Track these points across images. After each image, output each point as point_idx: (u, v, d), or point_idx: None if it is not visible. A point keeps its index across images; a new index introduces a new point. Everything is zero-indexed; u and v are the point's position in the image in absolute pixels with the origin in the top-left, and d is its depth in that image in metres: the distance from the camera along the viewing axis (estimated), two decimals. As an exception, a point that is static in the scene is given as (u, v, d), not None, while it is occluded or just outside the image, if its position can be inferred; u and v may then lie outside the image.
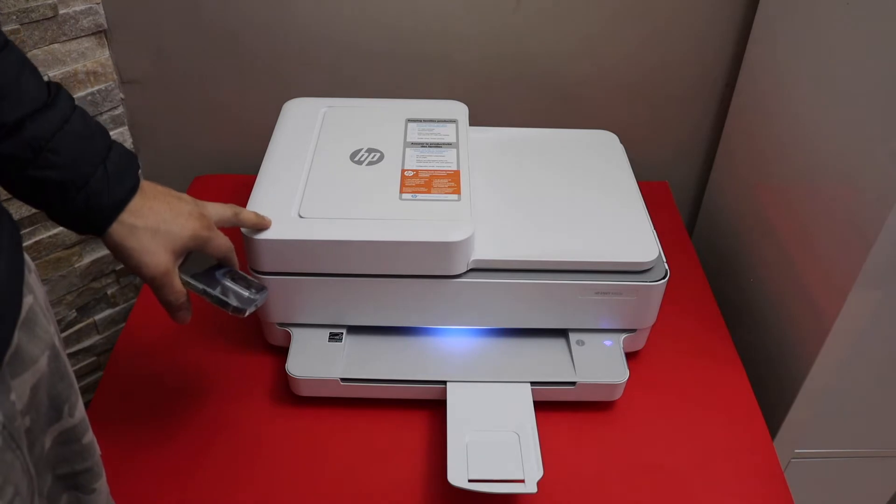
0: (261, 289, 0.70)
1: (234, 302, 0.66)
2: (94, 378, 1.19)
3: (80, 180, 0.55)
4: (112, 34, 1.02)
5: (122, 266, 1.14)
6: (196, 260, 0.66)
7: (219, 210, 0.67)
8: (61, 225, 0.58)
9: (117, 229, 0.58)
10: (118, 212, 0.58)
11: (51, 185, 0.54)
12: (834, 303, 0.81)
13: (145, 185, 0.60)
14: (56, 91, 0.54)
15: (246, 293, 0.68)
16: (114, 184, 0.57)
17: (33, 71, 0.53)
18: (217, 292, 0.66)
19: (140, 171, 0.60)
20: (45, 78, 0.55)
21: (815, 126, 0.86)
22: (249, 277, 0.70)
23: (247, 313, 0.67)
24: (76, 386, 0.56)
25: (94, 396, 0.82)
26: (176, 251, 0.61)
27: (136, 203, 0.59)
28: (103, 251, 1.11)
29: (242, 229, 0.74)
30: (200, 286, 0.65)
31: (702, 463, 0.77)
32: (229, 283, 0.68)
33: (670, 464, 0.77)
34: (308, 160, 0.83)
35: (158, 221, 0.60)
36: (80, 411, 0.56)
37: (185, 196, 0.64)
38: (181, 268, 0.63)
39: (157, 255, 0.60)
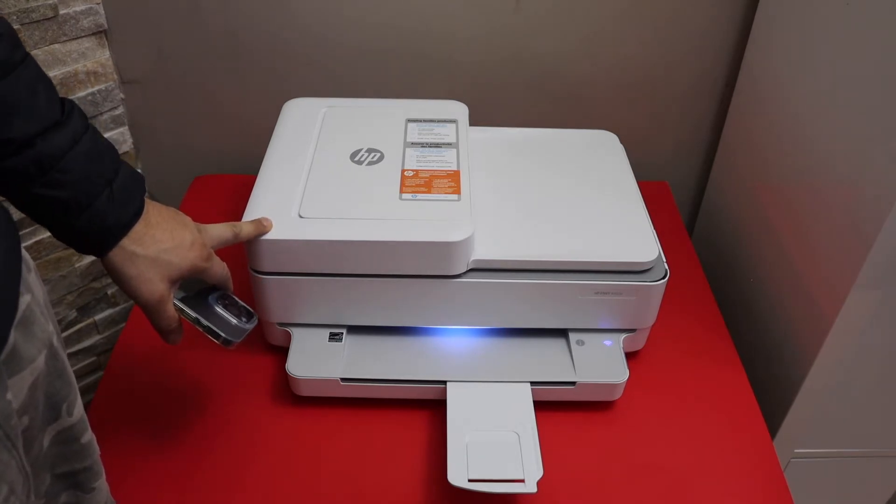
0: (251, 316, 0.70)
1: (223, 334, 0.67)
2: (94, 378, 1.19)
3: (85, 201, 0.55)
4: (112, 34, 1.02)
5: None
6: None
7: (219, 233, 0.68)
8: (62, 242, 0.58)
9: (118, 254, 0.58)
10: (121, 236, 0.58)
11: (55, 203, 0.54)
12: (833, 303, 0.81)
13: (150, 208, 0.60)
14: (70, 109, 0.54)
15: (235, 321, 0.69)
16: (118, 207, 0.57)
17: (48, 87, 0.53)
18: (208, 322, 0.66)
19: (146, 194, 0.60)
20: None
21: (815, 126, 0.86)
22: (241, 303, 0.71)
23: (234, 345, 0.68)
24: (75, 385, 0.56)
25: (94, 396, 0.82)
26: (173, 280, 0.62)
27: (138, 229, 0.59)
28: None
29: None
30: (193, 314, 0.65)
31: (701, 463, 0.77)
32: (221, 311, 0.68)
33: (670, 464, 0.77)
34: (308, 160, 0.83)
35: (159, 251, 0.60)
36: (79, 410, 0.56)
37: (188, 222, 0.64)
38: (175, 291, 0.64)
39: (153, 283, 0.60)
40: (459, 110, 0.93)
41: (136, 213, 0.59)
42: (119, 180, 0.57)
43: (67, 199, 0.54)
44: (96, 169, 0.55)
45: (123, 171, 0.58)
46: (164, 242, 0.60)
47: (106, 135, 1.06)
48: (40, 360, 0.50)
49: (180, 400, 0.81)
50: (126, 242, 0.58)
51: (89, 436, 0.58)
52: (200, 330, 0.66)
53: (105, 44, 1.02)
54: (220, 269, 0.67)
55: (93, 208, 0.55)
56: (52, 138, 0.52)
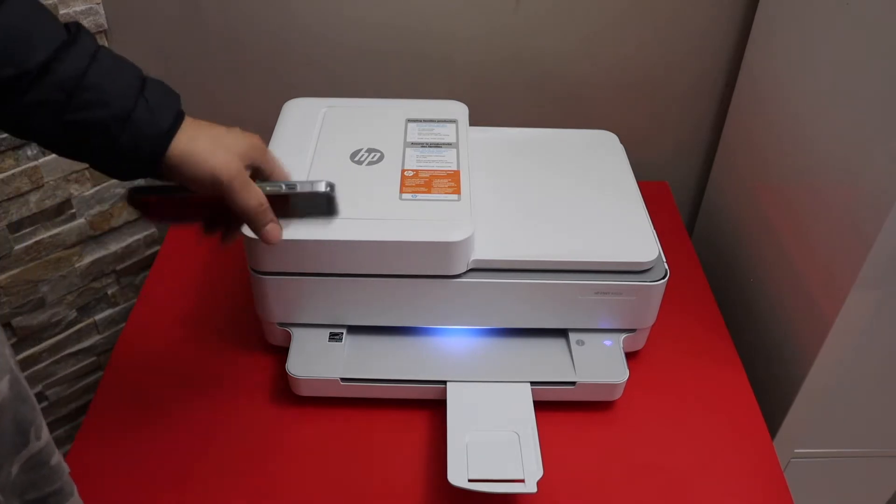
0: (329, 183, 0.62)
1: (324, 188, 0.60)
2: (94, 378, 1.19)
3: (123, 114, 0.52)
4: (112, 34, 1.02)
5: (122, 266, 1.15)
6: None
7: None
8: (109, 174, 0.55)
9: (176, 145, 0.54)
10: (169, 138, 0.54)
11: (91, 127, 0.51)
12: (834, 303, 0.81)
13: (188, 118, 0.58)
14: (76, 28, 0.51)
15: (322, 186, 0.62)
16: (159, 112, 0.54)
17: (47, 13, 0.50)
18: (302, 187, 0.60)
19: (182, 101, 0.57)
20: None
21: (815, 126, 0.86)
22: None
23: (336, 202, 0.62)
24: (38, 408, 0.54)
25: (95, 396, 0.82)
26: (241, 156, 0.57)
27: (187, 125, 0.56)
28: (103, 251, 1.11)
29: (242, 228, 0.73)
30: (282, 186, 0.60)
31: (702, 463, 0.77)
32: (301, 183, 0.62)
33: (670, 464, 0.77)
34: (308, 160, 0.83)
35: (214, 135, 0.57)
36: (46, 433, 0.54)
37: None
38: None
39: (226, 155, 0.56)
40: (459, 110, 0.93)
41: (179, 116, 0.56)
42: (150, 87, 0.54)
43: (103, 118, 0.51)
44: (123, 80, 0.53)
45: (151, 80, 0.55)
46: (215, 129, 0.57)
47: (106, 135, 1.07)
48: (3, 386, 0.48)
49: (180, 400, 0.81)
50: (178, 141, 0.54)
51: (57, 457, 0.56)
52: (294, 202, 0.60)
53: (105, 44, 1.02)
54: (278, 160, 0.62)
55: (132, 121, 0.52)
56: (67, 59, 0.49)
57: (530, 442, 0.73)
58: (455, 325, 0.82)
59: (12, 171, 0.94)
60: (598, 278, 0.77)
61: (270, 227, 0.60)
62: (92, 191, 1.06)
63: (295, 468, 0.75)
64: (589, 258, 0.77)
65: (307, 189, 0.61)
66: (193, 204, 0.61)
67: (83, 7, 0.96)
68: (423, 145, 0.86)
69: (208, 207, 0.61)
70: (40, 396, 1.13)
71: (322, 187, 0.61)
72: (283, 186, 0.60)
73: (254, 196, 0.57)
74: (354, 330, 0.82)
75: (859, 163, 0.78)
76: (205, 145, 0.56)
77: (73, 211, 1.04)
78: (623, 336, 0.82)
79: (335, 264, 0.75)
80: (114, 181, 1.10)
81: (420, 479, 0.74)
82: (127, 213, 1.14)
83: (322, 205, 0.62)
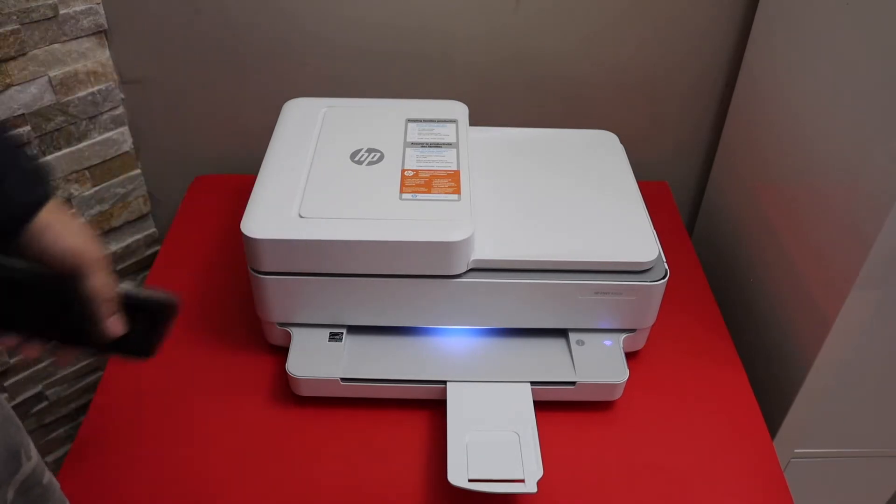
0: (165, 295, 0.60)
1: (164, 297, 0.57)
2: (94, 378, 1.19)
3: None
4: (112, 34, 1.02)
5: (122, 266, 1.15)
6: None
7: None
8: None
9: (46, 214, 0.51)
10: (38, 205, 0.51)
11: None
12: (834, 303, 0.81)
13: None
14: None
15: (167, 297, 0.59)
16: (32, 181, 0.50)
17: None
18: (147, 293, 0.57)
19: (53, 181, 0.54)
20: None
21: (815, 126, 0.86)
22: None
23: (176, 312, 0.59)
24: (23, 428, 0.53)
25: (95, 396, 0.82)
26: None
27: (57, 202, 0.52)
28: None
29: (242, 228, 0.74)
30: (130, 289, 0.57)
31: (702, 463, 0.77)
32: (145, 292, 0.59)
33: (670, 464, 0.77)
34: (308, 160, 0.83)
35: (82, 224, 0.54)
36: (35, 451, 0.54)
37: None
38: None
39: (93, 238, 0.53)
40: (459, 110, 0.93)
41: (49, 191, 0.52)
42: (22, 158, 0.51)
43: None
44: None
45: (24, 151, 0.52)
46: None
47: (106, 135, 1.07)
48: None
49: (180, 400, 0.81)
50: (48, 211, 0.51)
51: (49, 475, 0.56)
52: (133, 304, 0.57)
53: (105, 44, 1.02)
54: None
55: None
56: None
57: (530, 442, 0.73)
58: (455, 325, 0.82)
59: (12, 171, 0.94)
60: (597, 278, 0.77)
61: (115, 319, 0.56)
62: (92, 191, 1.06)
63: (295, 468, 0.75)
64: (589, 258, 0.77)
65: (150, 296, 0.57)
66: (33, 285, 0.54)
67: (83, 7, 0.96)
68: (423, 145, 0.86)
69: (42, 297, 0.55)
70: (40, 396, 1.13)
71: (166, 297, 0.58)
72: (134, 290, 0.57)
73: (110, 283, 0.55)
74: (354, 330, 0.82)
75: (859, 163, 0.78)
76: (74, 224, 0.53)
77: (73, 211, 1.04)
78: (623, 336, 0.82)
79: (335, 264, 0.75)
80: (115, 180, 1.10)
81: (420, 479, 0.74)
82: (127, 213, 1.14)
83: (167, 307, 0.58)
